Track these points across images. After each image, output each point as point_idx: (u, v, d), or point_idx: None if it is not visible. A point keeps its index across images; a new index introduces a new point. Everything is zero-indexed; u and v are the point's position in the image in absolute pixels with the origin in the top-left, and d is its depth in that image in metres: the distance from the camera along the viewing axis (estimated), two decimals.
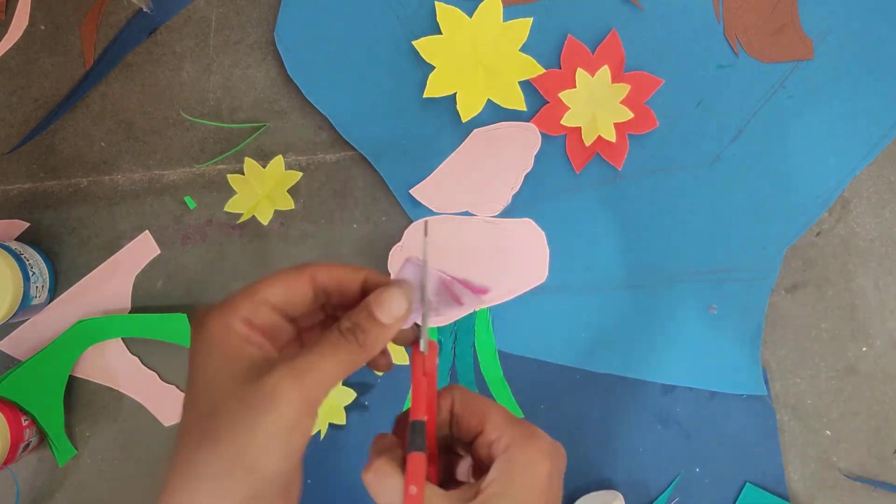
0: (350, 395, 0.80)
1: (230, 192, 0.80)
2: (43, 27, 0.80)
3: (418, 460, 0.41)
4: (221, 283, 0.81)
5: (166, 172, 0.80)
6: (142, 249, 0.81)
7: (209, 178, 0.80)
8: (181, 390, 0.81)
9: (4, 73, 0.80)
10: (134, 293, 0.81)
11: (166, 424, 0.82)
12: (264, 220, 0.79)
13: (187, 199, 0.80)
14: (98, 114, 0.80)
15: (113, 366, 0.81)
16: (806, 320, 0.80)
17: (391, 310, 0.41)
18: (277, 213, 0.80)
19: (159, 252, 0.81)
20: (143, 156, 0.80)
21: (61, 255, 0.81)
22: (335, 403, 0.80)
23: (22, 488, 0.82)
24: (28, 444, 0.78)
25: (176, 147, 0.80)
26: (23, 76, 0.80)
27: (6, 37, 0.80)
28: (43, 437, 0.80)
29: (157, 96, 0.80)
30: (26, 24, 0.80)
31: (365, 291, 0.43)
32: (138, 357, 0.81)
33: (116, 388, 0.81)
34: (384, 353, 0.45)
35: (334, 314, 0.45)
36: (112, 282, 0.81)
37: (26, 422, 0.77)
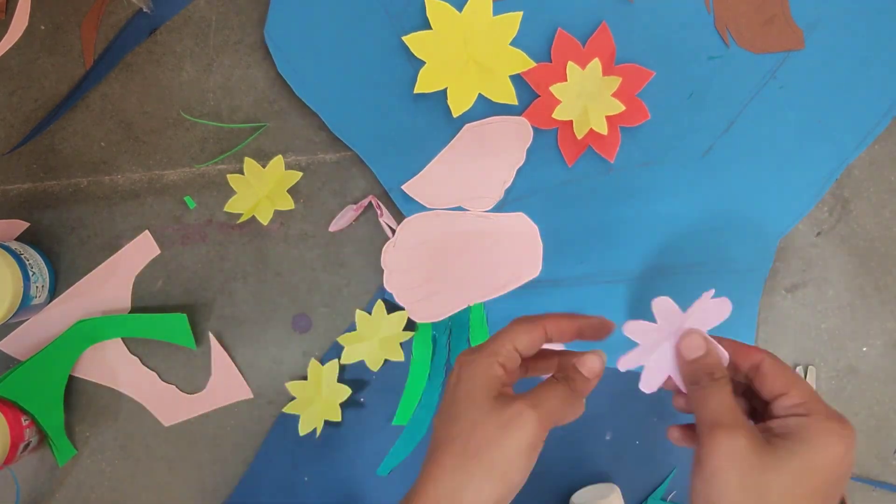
0: (345, 391, 0.80)
1: (230, 192, 0.80)
2: (43, 27, 0.80)
3: None
4: (221, 283, 0.81)
5: (166, 172, 0.81)
6: (142, 249, 0.81)
7: (209, 178, 0.81)
8: (181, 390, 0.81)
9: (4, 73, 0.81)
10: (134, 293, 0.81)
11: (166, 424, 0.82)
12: (264, 220, 0.80)
13: (187, 199, 0.81)
14: (98, 114, 0.81)
15: (113, 366, 0.81)
16: (806, 320, 0.80)
17: (590, 368, 0.55)
18: (277, 213, 0.80)
19: (159, 252, 0.81)
20: (143, 156, 0.81)
21: (61, 255, 0.81)
22: (331, 401, 0.80)
23: (22, 488, 0.82)
24: (28, 444, 0.78)
25: (176, 147, 0.81)
26: (23, 76, 0.81)
27: (6, 37, 0.80)
28: (43, 437, 0.80)
29: (157, 96, 0.80)
30: (26, 24, 0.80)
31: (580, 333, 0.57)
32: (138, 357, 0.82)
33: (116, 388, 0.82)
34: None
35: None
36: (112, 282, 0.81)
37: (26, 422, 0.78)
